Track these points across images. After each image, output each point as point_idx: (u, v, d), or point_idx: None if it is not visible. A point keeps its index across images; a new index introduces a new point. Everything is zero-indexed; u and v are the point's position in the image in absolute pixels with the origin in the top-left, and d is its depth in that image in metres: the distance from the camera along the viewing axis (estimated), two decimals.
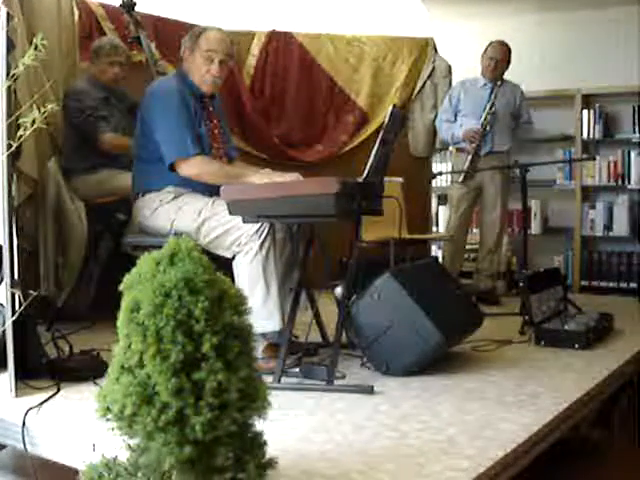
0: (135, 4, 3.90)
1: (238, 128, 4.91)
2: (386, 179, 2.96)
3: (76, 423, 2.14)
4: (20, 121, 2.04)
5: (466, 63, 5.15)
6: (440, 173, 5.22)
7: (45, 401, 2.33)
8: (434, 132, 5.32)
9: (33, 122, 1.99)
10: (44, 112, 1.99)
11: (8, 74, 2.31)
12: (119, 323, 1.44)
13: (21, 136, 2.04)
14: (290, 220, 2.80)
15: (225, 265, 2.67)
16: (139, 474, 1.46)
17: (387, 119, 2.71)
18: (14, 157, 2.84)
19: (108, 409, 1.42)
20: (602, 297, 5.17)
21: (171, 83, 3.08)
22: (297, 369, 2.71)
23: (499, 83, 4.64)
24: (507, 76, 4.72)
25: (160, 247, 1.48)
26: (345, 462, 1.86)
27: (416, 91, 5.40)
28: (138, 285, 1.44)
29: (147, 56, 3.85)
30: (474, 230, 5.29)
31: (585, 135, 5.60)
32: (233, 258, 2.82)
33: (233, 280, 2.74)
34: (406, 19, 5.96)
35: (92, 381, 2.54)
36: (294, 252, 2.96)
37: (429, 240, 5.42)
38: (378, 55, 5.35)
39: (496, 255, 4.79)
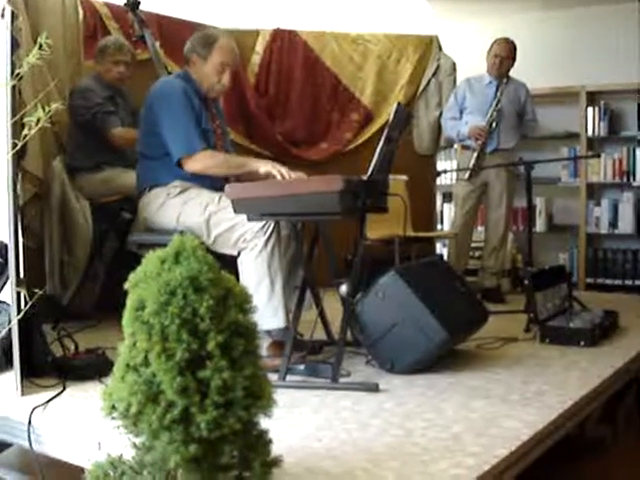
0: (139, 3, 3.90)
1: (242, 126, 4.92)
2: (391, 177, 2.96)
3: (82, 421, 2.15)
4: (25, 120, 2.05)
5: (471, 61, 5.14)
6: (445, 171, 5.23)
7: (51, 399, 2.34)
8: (439, 130, 5.30)
9: (38, 121, 2.00)
10: (49, 111, 2.00)
11: (13, 73, 2.32)
12: (124, 321, 1.44)
13: (26, 135, 2.05)
14: (295, 218, 2.80)
15: (230, 264, 2.67)
16: (144, 472, 1.46)
17: (392, 117, 2.71)
18: (19, 156, 2.84)
19: (114, 407, 1.43)
20: (607, 294, 5.14)
21: (175, 82, 3.10)
22: (302, 367, 2.71)
23: (504, 80, 4.63)
24: (512, 73, 4.71)
25: (165, 245, 1.49)
26: (350, 460, 1.86)
27: (421, 89, 5.38)
28: (143, 283, 1.44)
29: (152, 55, 3.85)
30: (479, 228, 5.28)
31: (590, 132, 5.56)
32: (238, 255, 2.82)
33: (238, 279, 2.74)
34: (410, 17, 5.94)
35: (98, 379, 2.55)
36: (299, 250, 2.97)
37: (434, 238, 5.41)
38: (382, 53, 5.34)
39: (501, 253, 4.78)
